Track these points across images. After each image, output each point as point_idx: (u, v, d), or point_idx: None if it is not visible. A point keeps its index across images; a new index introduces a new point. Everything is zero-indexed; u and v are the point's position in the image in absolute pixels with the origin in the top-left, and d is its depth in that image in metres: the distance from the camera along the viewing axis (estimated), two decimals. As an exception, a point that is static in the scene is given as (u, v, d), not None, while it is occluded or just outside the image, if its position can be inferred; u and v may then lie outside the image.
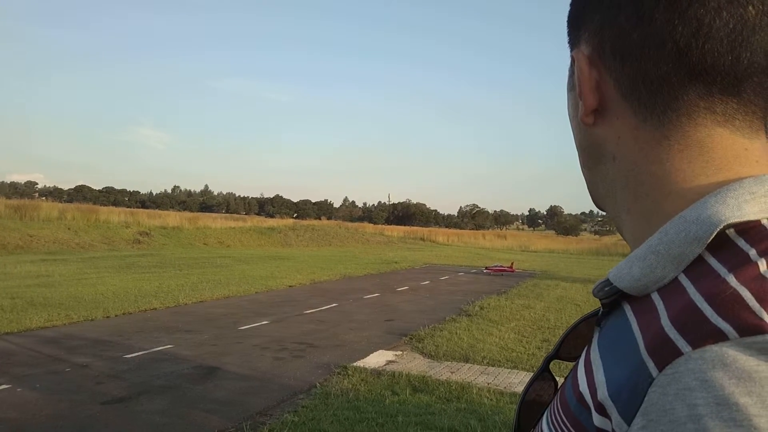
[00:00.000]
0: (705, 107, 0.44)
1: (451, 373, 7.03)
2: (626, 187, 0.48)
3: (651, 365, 0.36)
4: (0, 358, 7.02)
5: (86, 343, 8.00)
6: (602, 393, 0.39)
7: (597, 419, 0.39)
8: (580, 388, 0.43)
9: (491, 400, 5.96)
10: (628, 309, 0.44)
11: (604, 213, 0.58)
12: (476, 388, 6.32)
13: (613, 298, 0.46)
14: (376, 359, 7.66)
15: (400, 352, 8.14)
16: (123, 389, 6.04)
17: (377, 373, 6.89)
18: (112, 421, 5.13)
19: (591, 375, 0.43)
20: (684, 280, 0.40)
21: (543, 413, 0.54)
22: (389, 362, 7.52)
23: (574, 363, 0.56)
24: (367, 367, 7.16)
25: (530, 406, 0.64)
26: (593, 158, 0.52)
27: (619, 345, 0.41)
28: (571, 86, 0.53)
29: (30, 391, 5.86)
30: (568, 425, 0.44)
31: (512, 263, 24.16)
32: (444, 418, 5.29)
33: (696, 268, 0.40)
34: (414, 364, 7.47)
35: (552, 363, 0.64)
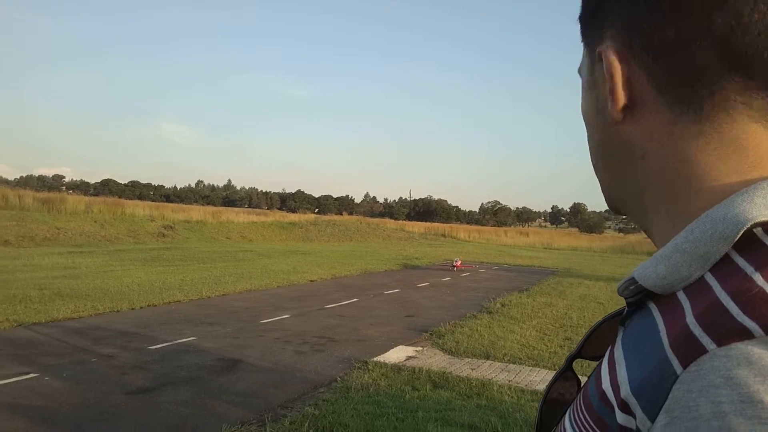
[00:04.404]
0: (742, 102, 0.43)
1: (472, 369, 7.01)
2: (656, 186, 0.47)
3: (675, 362, 0.36)
4: (28, 347, 7.18)
5: (112, 334, 8.14)
6: (625, 390, 0.39)
7: (620, 417, 0.39)
8: (603, 386, 0.43)
9: (512, 397, 5.92)
10: (653, 308, 0.43)
11: (622, 216, 0.57)
12: (497, 385, 6.29)
13: (638, 297, 0.46)
14: (397, 354, 7.67)
15: (420, 348, 8.14)
16: (147, 380, 6.13)
17: (397, 368, 6.90)
18: (136, 411, 5.22)
19: (614, 373, 0.42)
20: (710, 279, 0.39)
21: (565, 412, 0.54)
22: (409, 358, 7.52)
23: (597, 362, 0.55)
24: (387, 362, 7.17)
25: (552, 404, 0.64)
26: (617, 158, 0.51)
27: (644, 343, 0.41)
28: (592, 84, 0.52)
29: (57, 380, 5.98)
30: (591, 423, 0.44)
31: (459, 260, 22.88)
32: (464, 415, 5.27)
33: (722, 267, 0.39)
34: (434, 360, 7.46)
35: (575, 362, 0.64)
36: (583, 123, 0.56)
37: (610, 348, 0.48)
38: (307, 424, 4.85)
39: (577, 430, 0.46)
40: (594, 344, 0.60)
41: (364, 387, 6.08)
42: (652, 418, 0.35)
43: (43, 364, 6.50)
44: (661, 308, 0.42)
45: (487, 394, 5.98)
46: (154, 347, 7.47)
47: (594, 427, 0.43)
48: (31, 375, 6.08)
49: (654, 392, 0.36)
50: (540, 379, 6.70)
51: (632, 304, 0.47)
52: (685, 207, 0.45)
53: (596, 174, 0.56)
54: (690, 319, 0.37)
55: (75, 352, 7.09)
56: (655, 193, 0.47)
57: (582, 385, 0.55)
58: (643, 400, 0.37)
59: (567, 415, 0.51)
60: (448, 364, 7.21)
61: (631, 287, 0.46)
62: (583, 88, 0.54)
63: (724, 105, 0.43)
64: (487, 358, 7.68)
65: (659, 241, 0.48)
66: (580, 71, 0.56)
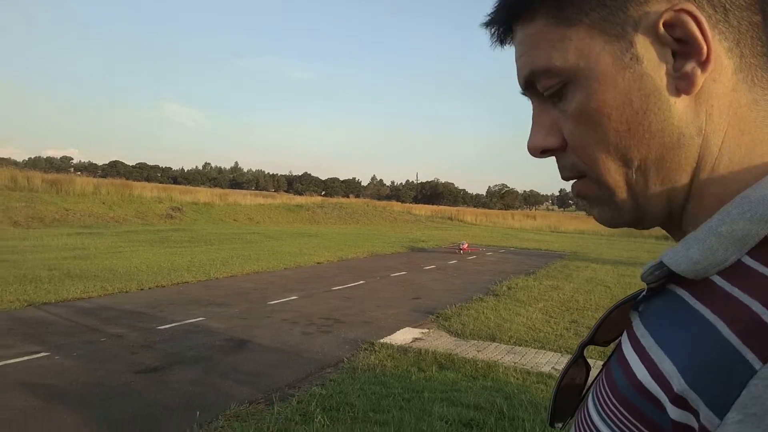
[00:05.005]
0: None
1: (478, 351, 7.04)
2: (698, 166, 0.44)
3: (751, 356, 0.33)
4: (39, 327, 7.27)
5: (121, 314, 8.22)
6: (680, 384, 0.36)
7: (675, 413, 0.36)
8: (639, 378, 0.41)
9: (518, 379, 5.96)
10: (684, 293, 0.42)
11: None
12: (503, 366, 6.32)
13: (660, 282, 0.44)
14: (403, 336, 7.71)
15: (426, 330, 8.18)
16: (156, 359, 6.20)
17: (404, 349, 6.94)
18: (145, 390, 5.29)
19: (651, 363, 0.40)
20: (751, 263, 0.38)
21: (585, 398, 0.53)
22: (416, 339, 7.56)
23: (608, 347, 0.55)
24: (393, 343, 7.21)
25: (563, 390, 0.63)
26: (667, 147, 0.45)
27: (686, 331, 0.38)
28: (626, 63, 0.45)
29: (67, 359, 6.06)
30: (629, 417, 0.41)
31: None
32: (470, 395, 5.31)
33: (763, 250, 0.38)
34: (440, 342, 7.50)
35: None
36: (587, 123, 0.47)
37: (627, 333, 0.47)
38: (314, 403, 4.90)
39: (610, 423, 0.44)
40: (604, 329, 0.58)
41: (370, 368, 6.12)
42: (721, 415, 0.33)
43: (53, 343, 6.58)
44: (697, 294, 0.40)
45: (493, 376, 6.01)
46: (162, 327, 7.55)
47: (633, 420, 0.41)
48: (42, 354, 6.16)
49: (721, 387, 0.34)
50: (546, 361, 6.73)
51: (651, 288, 0.46)
52: (722, 190, 0.43)
53: (602, 167, 0.48)
54: (759, 308, 0.35)
55: (85, 331, 7.17)
56: (691, 176, 0.44)
57: (603, 370, 0.52)
58: (706, 395, 0.34)
59: (591, 404, 0.49)
60: (454, 346, 7.24)
61: (657, 272, 0.44)
62: (596, 78, 0.45)
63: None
64: (493, 340, 7.71)
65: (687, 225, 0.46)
66: (550, 68, 0.47)
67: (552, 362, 6.67)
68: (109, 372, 5.71)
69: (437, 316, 9.11)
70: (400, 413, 4.78)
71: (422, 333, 7.98)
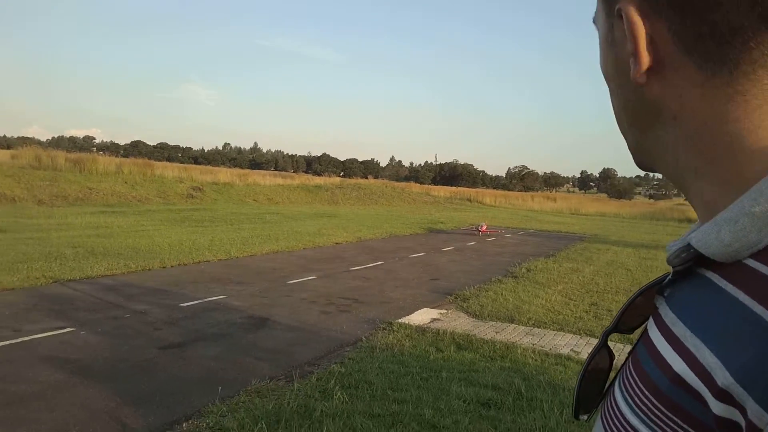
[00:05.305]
0: None
1: (496, 332, 7.05)
2: (693, 149, 0.44)
3: None
4: (64, 303, 7.43)
5: (144, 291, 8.36)
6: (724, 378, 0.34)
7: (718, 407, 0.35)
8: (677, 370, 0.39)
9: (536, 360, 5.96)
10: (714, 276, 0.40)
11: (658, 175, 0.52)
12: (521, 348, 6.32)
13: (687, 265, 0.43)
14: (421, 317, 7.74)
15: (444, 311, 8.20)
16: (179, 335, 6.31)
17: (422, 330, 6.97)
18: (168, 365, 5.39)
19: (690, 355, 0.38)
20: None
21: (611, 389, 0.51)
22: (434, 320, 7.59)
23: (634, 335, 0.53)
24: (411, 323, 7.24)
25: (587, 380, 0.61)
26: (645, 120, 0.47)
27: (725, 319, 0.37)
28: (611, 41, 0.48)
29: (92, 334, 6.19)
30: (665, 410, 0.40)
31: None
32: (488, 376, 5.33)
33: None
34: (459, 322, 7.52)
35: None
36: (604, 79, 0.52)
37: (654, 320, 0.46)
38: (333, 381, 4.96)
39: (643, 417, 0.42)
40: (628, 316, 0.56)
41: (388, 347, 6.17)
42: None
43: (78, 319, 6.72)
44: (729, 278, 0.39)
45: (511, 357, 6.02)
46: (185, 304, 7.67)
47: (670, 414, 0.39)
48: (68, 329, 6.31)
49: None
50: (564, 343, 6.71)
51: (677, 272, 0.44)
52: (737, 169, 0.41)
53: (622, 132, 0.52)
54: None
55: (109, 308, 7.31)
56: (693, 156, 0.44)
57: (629, 358, 0.50)
58: (756, 391, 0.32)
59: (619, 395, 0.47)
60: (472, 327, 7.26)
61: (684, 255, 0.43)
62: (600, 42, 0.50)
63: (764, 61, 0.39)
64: (512, 321, 7.70)
65: (701, 205, 0.45)
66: (595, 21, 0.52)
67: (571, 344, 6.65)
68: (132, 347, 5.82)
69: (455, 297, 9.12)
70: (418, 392, 4.82)
71: (440, 314, 8.00)
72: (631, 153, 0.52)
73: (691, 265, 0.43)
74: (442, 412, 4.43)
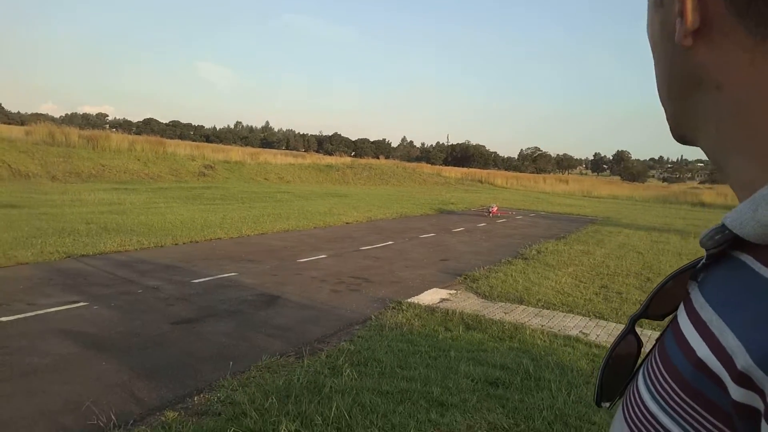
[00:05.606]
0: None
1: (505, 313, 7.06)
2: (736, 121, 0.41)
3: None
4: (77, 278, 7.52)
5: (156, 267, 8.45)
6: (745, 360, 0.32)
7: (737, 392, 0.33)
8: (699, 354, 0.37)
9: (545, 341, 5.97)
10: (749, 259, 0.38)
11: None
12: (530, 329, 6.33)
13: (722, 248, 0.41)
14: (430, 297, 7.77)
15: (454, 291, 8.22)
16: (191, 311, 6.39)
17: (431, 309, 7.00)
18: (180, 340, 5.46)
19: (712, 338, 0.36)
20: None
21: (636, 376, 0.49)
22: (443, 300, 7.61)
23: (661, 321, 0.52)
24: (421, 303, 7.27)
25: (612, 367, 0.58)
26: (686, 87, 0.45)
27: (755, 303, 0.35)
28: (658, 3, 0.46)
29: (105, 309, 6.28)
30: (685, 397, 0.38)
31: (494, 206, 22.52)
32: (496, 356, 5.35)
33: None
34: (468, 303, 7.54)
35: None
36: (649, 48, 0.50)
37: (684, 306, 0.44)
38: (342, 358, 5.01)
39: (663, 403, 0.41)
40: (658, 301, 0.53)
41: (398, 326, 6.20)
42: None
43: (92, 293, 6.81)
44: (765, 261, 0.36)
45: (520, 337, 6.03)
46: (196, 281, 7.74)
47: (689, 401, 0.38)
48: (81, 303, 6.40)
49: None
50: (574, 324, 6.72)
51: (712, 255, 0.42)
52: None
53: (661, 102, 0.50)
54: None
55: (122, 283, 7.40)
56: (736, 130, 0.41)
57: (656, 345, 0.48)
58: None
59: (642, 382, 0.46)
60: (481, 308, 7.27)
61: (717, 237, 0.40)
62: (648, 7, 0.48)
63: None
64: (521, 302, 7.71)
65: (738, 183, 0.43)
66: None
67: (580, 326, 6.65)
68: (145, 322, 5.90)
69: (465, 278, 9.13)
70: (426, 370, 4.85)
71: (450, 294, 8.03)
72: (669, 126, 0.50)
73: (725, 247, 0.40)
74: (450, 390, 4.46)
